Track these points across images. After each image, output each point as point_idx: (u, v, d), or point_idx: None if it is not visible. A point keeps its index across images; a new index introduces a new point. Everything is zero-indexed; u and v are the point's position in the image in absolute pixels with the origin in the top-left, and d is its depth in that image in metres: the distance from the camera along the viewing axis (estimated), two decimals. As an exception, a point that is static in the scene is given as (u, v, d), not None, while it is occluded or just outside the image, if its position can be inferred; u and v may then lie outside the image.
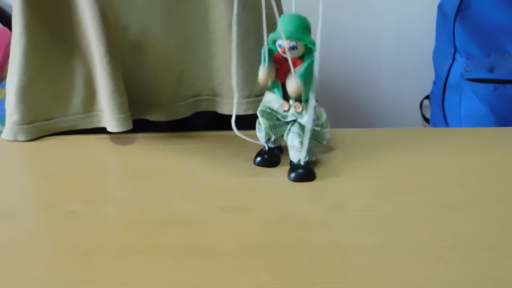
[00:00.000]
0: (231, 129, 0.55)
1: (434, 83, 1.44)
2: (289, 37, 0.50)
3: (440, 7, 1.38)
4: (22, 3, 0.58)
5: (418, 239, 0.46)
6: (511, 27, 1.25)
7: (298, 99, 0.53)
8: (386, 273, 0.43)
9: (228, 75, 0.64)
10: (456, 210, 0.50)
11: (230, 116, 0.54)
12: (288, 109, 0.54)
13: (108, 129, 0.63)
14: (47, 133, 0.65)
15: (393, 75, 1.55)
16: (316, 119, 0.54)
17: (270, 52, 0.52)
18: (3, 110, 0.66)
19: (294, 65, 0.50)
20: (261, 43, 0.51)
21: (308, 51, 0.51)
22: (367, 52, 1.52)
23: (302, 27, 0.50)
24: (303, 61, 0.51)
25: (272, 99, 0.55)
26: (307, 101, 0.53)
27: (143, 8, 0.61)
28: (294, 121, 0.55)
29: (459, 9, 1.27)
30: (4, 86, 1.22)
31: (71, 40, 0.62)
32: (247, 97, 0.63)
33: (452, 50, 1.31)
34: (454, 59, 1.31)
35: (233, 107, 0.54)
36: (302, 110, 0.53)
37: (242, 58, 0.62)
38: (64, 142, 0.64)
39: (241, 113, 0.63)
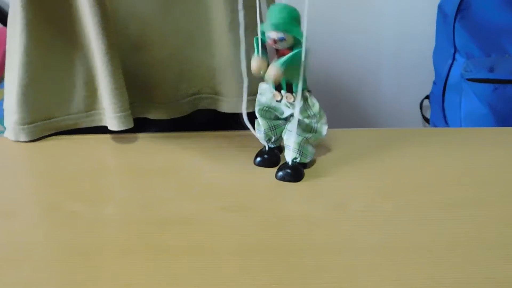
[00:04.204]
0: (230, 127, 0.55)
1: (434, 83, 1.44)
2: (276, 29, 0.49)
3: (440, 7, 1.38)
4: (23, 1, 0.58)
5: (418, 239, 0.46)
6: (511, 27, 1.25)
7: (290, 90, 0.53)
8: (386, 273, 0.43)
9: (228, 74, 0.65)
10: (456, 210, 0.50)
11: (230, 114, 0.54)
12: (280, 100, 0.54)
13: (109, 128, 0.63)
14: (49, 133, 0.65)
15: (393, 75, 1.55)
16: (309, 108, 0.54)
17: (263, 43, 0.51)
18: (3, 110, 0.66)
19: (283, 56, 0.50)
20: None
21: (298, 43, 0.51)
22: (367, 52, 1.52)
23: (291, 18, 0.49)
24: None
25: (265, 88, 0.55)
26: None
27: (142, 7, 0.61)
28: (291, 116, 0.55)
29: (459, 9, 1.27)
30: (4, 87, 1.22)
31: (73, 38, 0.62)
32: (248, 95, 0.63)
33: (452, 50, 1.31)
34: (454, 59, 1.31)
35: (235, 105, 0.52)
36: (293, 101, 0.53)
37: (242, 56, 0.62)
38: (64, 142, 0.64)
39: (241, 111, 0.63)
